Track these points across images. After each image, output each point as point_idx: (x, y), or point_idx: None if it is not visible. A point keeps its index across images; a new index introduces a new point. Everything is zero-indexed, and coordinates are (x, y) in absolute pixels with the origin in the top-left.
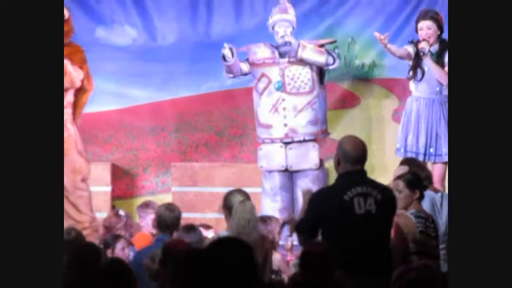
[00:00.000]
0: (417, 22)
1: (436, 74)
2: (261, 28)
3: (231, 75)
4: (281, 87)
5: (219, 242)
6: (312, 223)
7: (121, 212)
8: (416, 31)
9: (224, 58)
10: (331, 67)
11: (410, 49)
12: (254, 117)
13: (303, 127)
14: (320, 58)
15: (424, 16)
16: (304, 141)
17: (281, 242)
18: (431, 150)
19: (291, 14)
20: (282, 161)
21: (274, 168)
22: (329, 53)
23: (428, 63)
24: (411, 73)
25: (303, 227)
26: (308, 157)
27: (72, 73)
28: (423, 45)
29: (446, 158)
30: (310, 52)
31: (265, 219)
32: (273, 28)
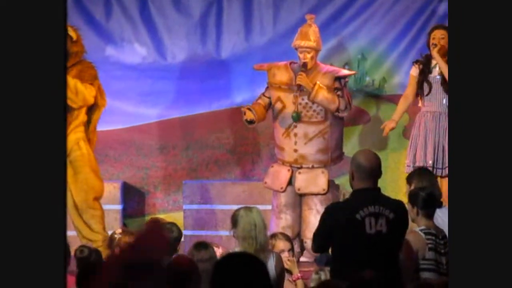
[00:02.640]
0: (430, 33)
1: (443, 69)
2: (271, 45)
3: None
4: (298, 119)
5: (229, 257)
6: (324, 235)
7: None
8: (428, 45)
9: (249, 122)
10: (340, 114)
11: (415, 70)
12: (268, 135)
13: (313, 155)
14: (331, 106)
15: (437, 26)
16: (313, 168)
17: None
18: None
19: (311, 40)
20: (284, 184)
21: (275, 188)
22: (341, 101)
23: (436, 58)
24: (417, 88)
25: (316, 236)
26: (316, 182)
27: (84, 92)
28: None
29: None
30: (323, 98)
31: (273, 236)
32: (296, 50)
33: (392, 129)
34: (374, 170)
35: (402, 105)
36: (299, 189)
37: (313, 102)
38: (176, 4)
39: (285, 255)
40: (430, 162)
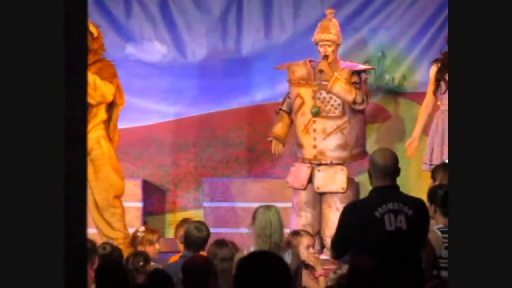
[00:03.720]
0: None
1: None
2: (291, 43)
3: None
4: (318, 113)
5: (253, 256)
6: (342, 238)
7: (140, 234)
8: (447, 42)
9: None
10: (357, 107)
11: (434, 69)
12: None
13: (332, 151)
14: (348, 97)
15: None
16: (333, 164)
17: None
18: None
19: (332, 33)
20: (304, 181)
21: (296, 186)
22: (359, 94)
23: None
24: (434, 87)
25: (335, 241)
26: (335, 180)
27: (103, 88)
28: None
29: None
30: (340, 88)
31: (296, 233)
32: (316, 45)
33: (416, 147)
34: (390, 168)
35: (423, 117)
36: (318, 188)
37: (330, 93)
38: (196, 1)
39: (310, 251)
40: (447, 161)
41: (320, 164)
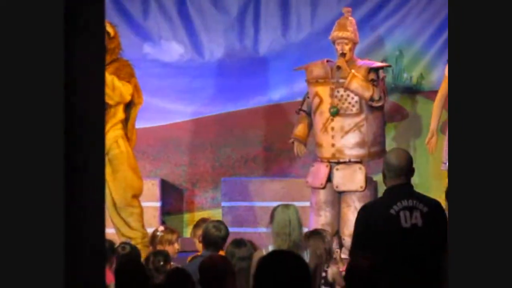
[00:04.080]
0: None
1: None
2: (308, 42)
3: None
4: (337, 113)
5: (274, 255)
6: (360, 237)
7: (159, 233)
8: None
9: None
10: (374, 104)
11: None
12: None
13: (350, 149)
14: (366, 93)
15: None
16: (351, 162)
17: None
18: None
19: (349, 31)
20: (323, 179)
21: (315, 185)
22: (376, 90)
23: None
24: None
25: (353, 241)
26: (354, 179)
27: (121, 88)
28: None
29: None
30: (357, 85)
31: (315, 233)
32: (333, 43)
33: (436, 142)
34: (404, 168)
35: (437, 111)
36: (337, 187)
37: (347, 90)
38: (213, 1)
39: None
40: None
41: (338, 163)
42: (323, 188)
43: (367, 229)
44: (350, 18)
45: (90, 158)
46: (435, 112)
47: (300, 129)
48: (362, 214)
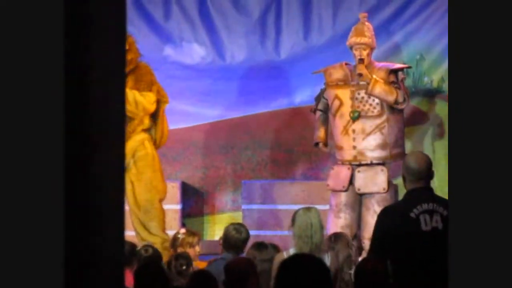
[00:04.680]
0: None
1: None
2: (329, 45)
3: None
4: (358, 117)
5: (296, 258)
6: (380, 240)
7: (180, 235)
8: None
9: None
10: (399, 106)
11: None
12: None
13: (371, 151)
14: (389, 97)
15: None
16: (372, 164)
17: None
18: None
19: (367, 36)
20: (345, 182)
21: (337, 188)
22: (399, 93)
23: None
24: None
25: (372, 244)
26: (376, 181)
27: (143, 102)
28: None
29: None
30: (381, 90)
31: (340, 236)
32: (351, 49)
33: None
34: (423, 172)
35: None
36: (359, 189)
37: (371, 96)
38: (235, 4)
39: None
40: None
41: (360, 165)
42: (346, 190)
43: (387, 232)
44: (366, 23)
45: (110, 163)
46: None
47: (322, 131)
48: (382, 218)
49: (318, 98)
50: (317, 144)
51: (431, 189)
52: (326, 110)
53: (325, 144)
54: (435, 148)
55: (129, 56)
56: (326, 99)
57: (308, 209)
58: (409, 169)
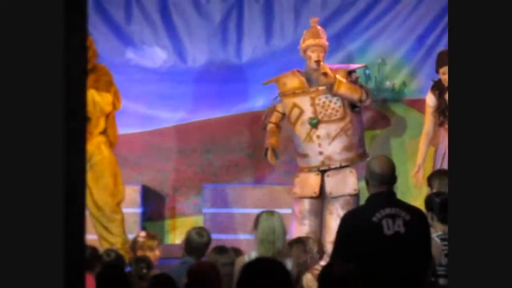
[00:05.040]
0: (440, 66)
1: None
2: (291, 50)
3: None
4: (317, 124)
5: (257, 262)
6: (342, 245)
7: (140, 239)
8: (436, 71)
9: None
10: (364, 104)
11: (431, 98)
12: (286, 138)
13: (339, 154)
14: (355, 96)
15: (441, 63)
16: (341, 167)
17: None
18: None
19: (323, 38)
20: (316, 188)
21: (307, 195)
22: (363, 89)
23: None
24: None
25: (335, 249)
26: (346, 183)
27: (101, 103)
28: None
29: None
30: (346, 89)
31: (298, 241)
32: (305, 52)
33: (423, 176)
34: (387, 177)
35: (424, 145)
36: (330, 193)
37: (336, 96)
38: (197, 7)
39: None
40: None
41: (329, 169)
42: (318, 197)
43: (349, 236)
44: (318, 27)
45: (71, 165)
46: (421, 146)
47: (274, 138)
48: (344, 222)
49: (269, 113)
50: (266, 151)
51: (394, 194)
52: (279, 122)
53: (274, 151)
54: (397, 153)
55: (88, 54)
56: (280, 111)
57: (271, 213)
58: (373, 173)
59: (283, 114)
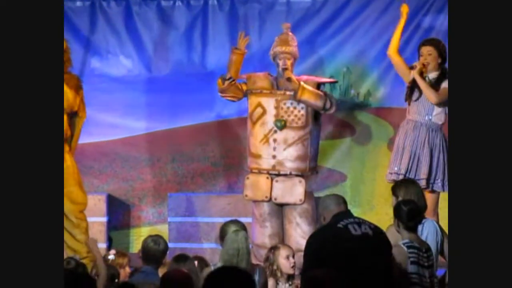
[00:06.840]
0: (418, 49)
1: (423, 90)
2: (256, 58)
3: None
4: (282, 127)
5: (220, 271)
6: (312, 260)
7: (111, 257)
8: (418, 58)
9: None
10: (327, 112)
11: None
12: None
13: (291, 162)
14: (319, 102)
15: (425, 42)
16: (291, 175)
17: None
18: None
19: (292, 46)
20: (267, 192)
21: (258, 199)
22: (327, 97)
23: (416, 78)
24: (407, 92)
25: (305, 264)
26: (293, 192)
27: (69, 94)
28: (414, 64)
29: (423, 183)
30: (310, 95)
31: (274, 247)
32: (274, 59)
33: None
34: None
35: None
36: (275, 199)
37: (300, 102)
38: (161, 16)
39: (290, 261)
40: (403, 171)
41: (278, 175)
42: (268, 200)
43: (318, 251)
44: (290, 33)
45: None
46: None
47: (234, 71)
48: (311, 239)
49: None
50: (229, 79)
51: (351, 212)
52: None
53: (234, 81)
54: (364, 161)
55: (64, 58)
56: (241, 89)
57: (236, 233)
58: (331, 211)
59: (242, 92)
